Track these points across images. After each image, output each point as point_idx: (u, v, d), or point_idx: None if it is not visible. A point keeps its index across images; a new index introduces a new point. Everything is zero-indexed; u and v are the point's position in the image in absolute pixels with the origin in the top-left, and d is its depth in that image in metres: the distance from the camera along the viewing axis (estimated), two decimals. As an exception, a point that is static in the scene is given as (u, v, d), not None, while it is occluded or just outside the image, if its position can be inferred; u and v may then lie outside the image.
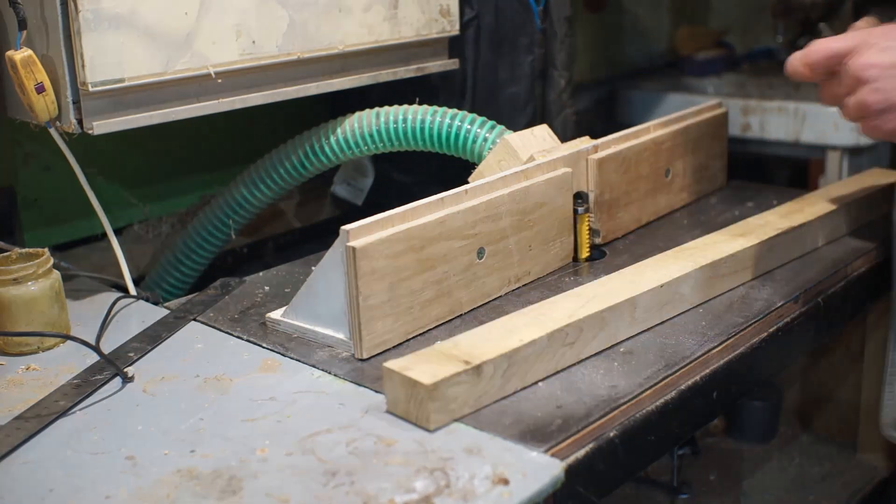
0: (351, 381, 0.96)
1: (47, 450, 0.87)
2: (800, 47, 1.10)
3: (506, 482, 0.79)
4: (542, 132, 1.24)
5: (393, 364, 0.89)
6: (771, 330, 1.07)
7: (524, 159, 1.18)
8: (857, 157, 1.90)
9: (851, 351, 1.57)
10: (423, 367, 0.87)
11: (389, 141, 1.28)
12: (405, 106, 1.28)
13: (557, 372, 0.96)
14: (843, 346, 1.59)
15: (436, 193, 1.05)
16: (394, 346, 1.01)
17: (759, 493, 1.55)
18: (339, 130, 1.31)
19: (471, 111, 1.26)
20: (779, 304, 1.11)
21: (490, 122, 1.24)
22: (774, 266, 1.20)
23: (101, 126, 1.11)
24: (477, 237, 1.07)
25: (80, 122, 1.11)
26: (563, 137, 1.45)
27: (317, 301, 1.04)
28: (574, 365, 0.98)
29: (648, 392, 0.93)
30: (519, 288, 1.14)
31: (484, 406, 0.90)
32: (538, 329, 0.95)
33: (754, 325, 1.07)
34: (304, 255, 1.32)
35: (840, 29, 1.33)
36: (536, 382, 0.94)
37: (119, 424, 0.91)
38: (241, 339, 1.08)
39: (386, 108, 1.29)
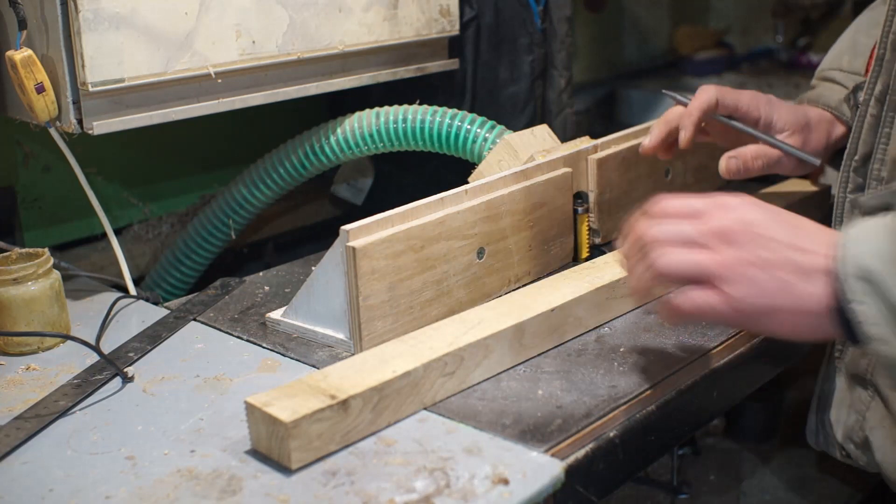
0: (351, 381, 0.96)
1: (47, 450, 0.87)
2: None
3: (506, 482, 0.79)
4: (542, 132, 1.24)
5: (254, 399, 0.84)
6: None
7: (524, 159, 1.18)
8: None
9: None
10: (286, 402, 0.83)
11: (389, 141, 1.28)
12: (405, 106, 1.28)
13: (435, 403, 0.91)
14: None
15: (436, 193, 1.05)
16: (394, 346, 1.02)
17: (759, 493, 1.55)
18: (339, 130, 1.31)
19: (471, 111, 1.26)
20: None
21: (490, 122, 1.24)
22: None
23: (101, 126, 1.12)
24: (477, 237, 1.07)
25: (80, 122, 1.11)
26: (563, 137, 1.45)
27: (317, 301, 1.04)
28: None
29: (648, 392, 0.93)
30: (519, 288, 1.14)
31: (352, 442, 0.85)
32: (413, 359, 0.90)
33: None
34: (304, 255, 1.32)
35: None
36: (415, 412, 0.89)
37: (119, 424, 0.91)
38: (241, 339, 1.08)
39: (386, 108, 1.29)
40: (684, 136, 1.16)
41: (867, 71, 1.18)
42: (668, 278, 0.84)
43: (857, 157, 1.05)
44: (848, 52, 1.28)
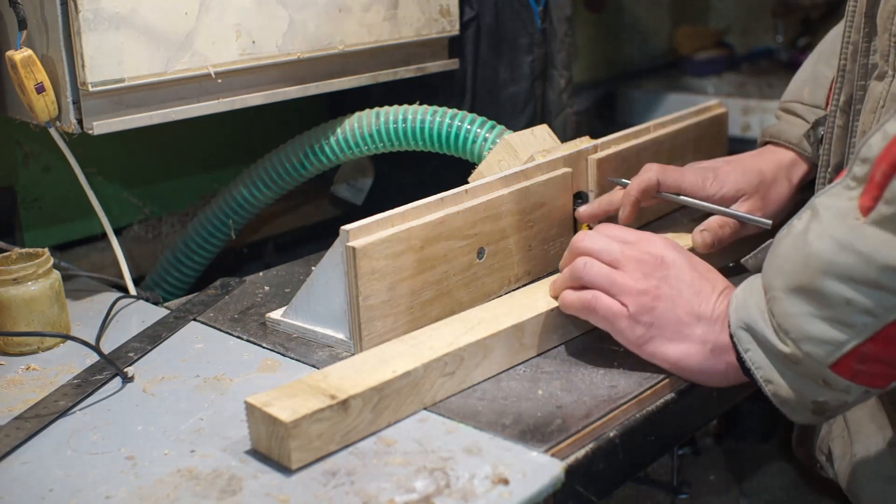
0: (351, 381, 0.96)
1: (47, 450, 0.87)
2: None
3: (506, 482, 0.79)
4: (542, 132, 1.24)
5: (254, 399, 0.84)
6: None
7: (524, 159, 1.18)
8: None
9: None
10: (286, 402, 0.83)
11: (389, 141, 1.28)
12: (405, 106, 1.28)
13: (435, 403, 0.91)
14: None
15: (436, 193, 1.05)
16: (394, 346, 1.02)
17: (759, 493, 1.55)
18: (339, 130, 1.31)
19: (471, 111, 1.26)
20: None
21: (490, 122, 1.24)
22: None
23: (101, 126, 1.12)
24: (477, 237, 1.07)
25: (80, 122, 1.11)
26: (563, 137, 1.45)
27: (317, 301, 1.04)
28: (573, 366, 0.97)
29: (648, 392, 0.93)
30: (519, 288, 1.14)
31: (352, 442, 0.86)
32: (413, 359, 0.90)
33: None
34: (304, 255, 1.32)
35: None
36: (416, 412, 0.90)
37: (119, 424, 0.91)
38: (241, 339, 1.08)
39: (386, 108, 1.29)
40: (622, 215, 1.18)
41: (827, 103, 1.17)
42: (584, 283, 0.96)
43: (830, 169, 1.06)
44: (809, 84, 1.25)
